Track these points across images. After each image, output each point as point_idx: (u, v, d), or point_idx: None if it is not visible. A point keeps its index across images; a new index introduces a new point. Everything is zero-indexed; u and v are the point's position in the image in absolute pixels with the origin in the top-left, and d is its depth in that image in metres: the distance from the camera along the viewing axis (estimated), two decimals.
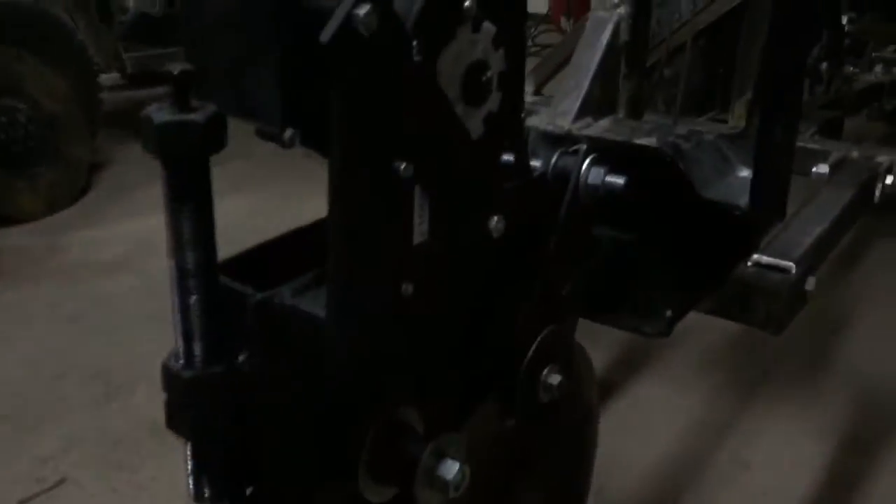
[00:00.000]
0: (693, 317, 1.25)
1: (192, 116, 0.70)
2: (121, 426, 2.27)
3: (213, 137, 0.72)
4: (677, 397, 2.38)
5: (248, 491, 0.87)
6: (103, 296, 3.03)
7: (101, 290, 3.08)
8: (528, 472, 1.21)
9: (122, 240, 3.48)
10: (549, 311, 1.03)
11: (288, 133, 0.74)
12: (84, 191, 4.00)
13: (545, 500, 1.27)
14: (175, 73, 0.70)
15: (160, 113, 0.71)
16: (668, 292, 1.17)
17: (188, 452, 0.84)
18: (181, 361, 0.80)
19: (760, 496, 2.01)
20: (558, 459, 1.26)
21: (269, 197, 3.79)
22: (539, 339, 1.02)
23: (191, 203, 0.75)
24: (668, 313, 1.17)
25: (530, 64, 2.09)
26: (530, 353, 1.01)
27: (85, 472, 2.11)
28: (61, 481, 2.08)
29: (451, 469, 0.88)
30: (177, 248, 0.76)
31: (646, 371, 2.50)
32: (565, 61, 1.96)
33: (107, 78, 4.52)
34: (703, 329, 1.43)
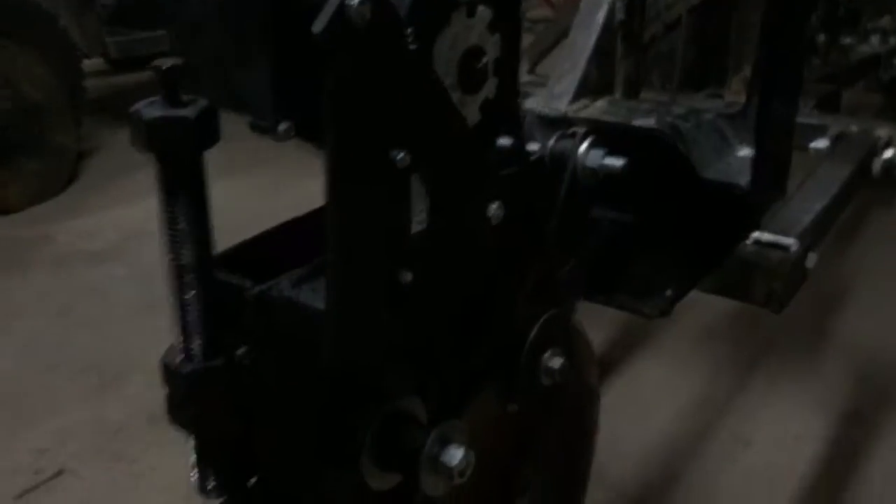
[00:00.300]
0: (692, 293, 1.24)
1: (183, 112, 0.69)
2: (117, 416, 2.26)
3: (205, 132, 0.70)
4: (677, 375, 2.38)
5: (252, 481, 0.87)
6: (94, 286, 3.01)
7: (91, 279, 3.06)
8: (531, 454, 1.20)
9: (111, 229, 3.46)
10: (549, 294, 1.02)
11: (282, 126, 0.73)
12: (71, 180, 3.96)
13: (547, 482, 1.27)
14: (164, 67, 0.68)
15: (150, 109, 0.69)
16: (668, 272, 1.16)
17: (191, 446, 0.83)
18: (180, 356, 0.79)
19: (763, 472, 2.02)
20: (560, 442, 1.26)
21: (263, 181, 3.75)
22: (540, 323, 1.01)
23: (185, 199, 0.73)
24: (669, 292, 1.16)
25: (523, 42, 2.07)
26: (531, 337, 1.00)
27: (83, 462, 2.11)
28: (59, 472, 2.07)
29: (455, 455, 0.87)
30: (172, 243, 0.75)
31: (645, 348, 2.50)
32: (559, 39, 1.94)
33: (90, 63, 4.46)
34: (702, 305, 1.42)
